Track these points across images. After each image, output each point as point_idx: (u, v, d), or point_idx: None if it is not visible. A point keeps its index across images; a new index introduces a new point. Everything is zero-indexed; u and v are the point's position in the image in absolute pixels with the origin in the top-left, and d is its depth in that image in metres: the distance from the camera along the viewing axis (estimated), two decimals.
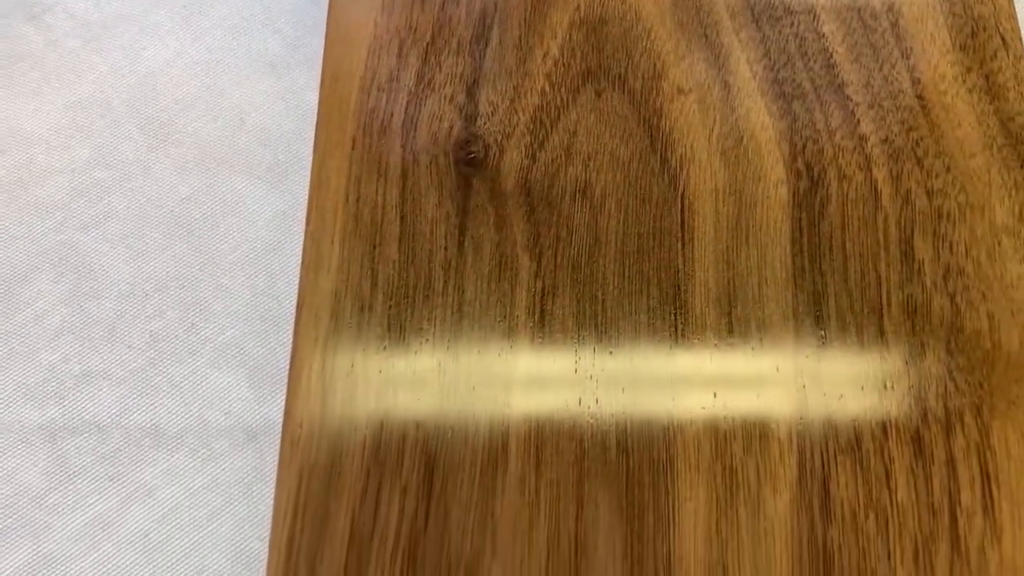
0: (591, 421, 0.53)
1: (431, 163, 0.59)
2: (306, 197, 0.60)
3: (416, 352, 0.55)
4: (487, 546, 0.51)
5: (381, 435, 0.53)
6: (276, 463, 0.53)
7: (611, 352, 0.54)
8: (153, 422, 0.59)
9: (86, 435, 0.59)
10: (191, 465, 0.58)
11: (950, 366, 0.54)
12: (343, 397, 0.54)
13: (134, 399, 0.60)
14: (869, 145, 0.59)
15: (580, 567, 0.50)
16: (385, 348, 0.55)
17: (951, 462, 0.52)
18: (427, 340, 0.55)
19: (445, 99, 0.61)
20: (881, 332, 0.54)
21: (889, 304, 0.55)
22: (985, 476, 0.51)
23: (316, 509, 0.52)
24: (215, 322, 0.62)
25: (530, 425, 0.53)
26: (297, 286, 0.58)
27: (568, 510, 0.51)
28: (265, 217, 0.63)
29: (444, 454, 0.52)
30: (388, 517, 0.51)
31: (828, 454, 0.52)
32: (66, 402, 0.60)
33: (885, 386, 0.53)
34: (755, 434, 0.52)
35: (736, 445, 0.52)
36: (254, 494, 0.58)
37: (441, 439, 0.53)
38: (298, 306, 0.57)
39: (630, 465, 0.52)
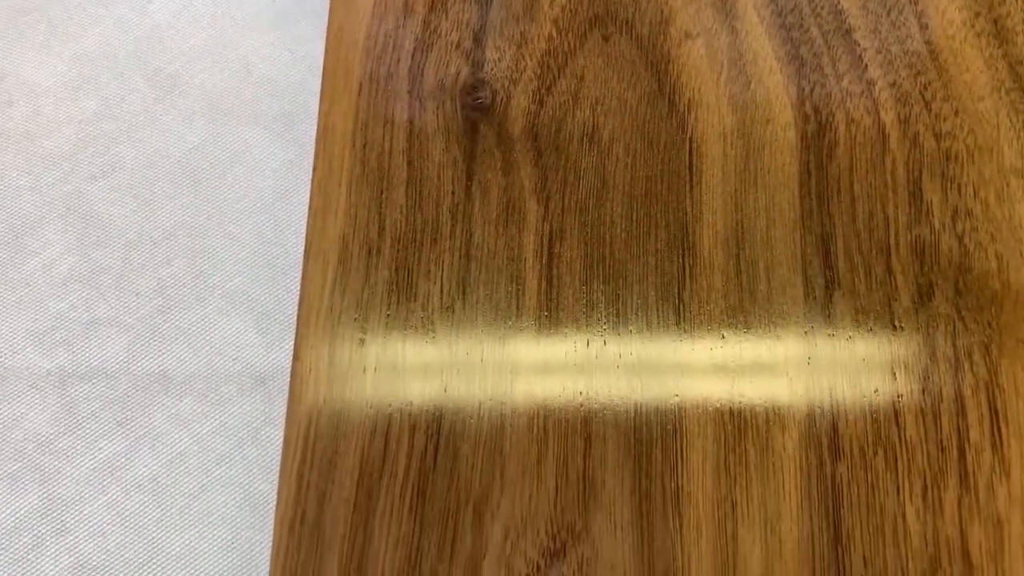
0: (599, 361, 0.53)
1: (438, 109, 0.59)
2: (313, 146, 0.60)
3: (424, 295, 0.55)
4: (496, 482, 0.51)
5: (389, 378, 0.53)
6: (284, 408, 0.53)
7: (619, 294, 0.54)
8: (161, 368, 0.59)
9: (94, 381, 0.59)
10: (199, 410, 0.58)
11: (958, 306, 0.54)
12: (351, 339, 0.54)
13: (142, 346, 0.60)
14: (877, 89, 0.59)
15: (588, 502, 0.50)
16: (393, 291, 0.55)
17: (959, 400, 0.52)
18: (435, 283, 0.55)
19: (452, 45, 0.61)
20: (889, 272, 0.54)
21: (897, 245, 0.55)
22: (993, 413, 0.51)
23: (325, 448, 0.52)
24: (223, 270, 0.62)
25: (538, 365, 0.53)
26: (304, 234, 0.58)
27: (576, 447, 0.51)
28: (272, 166, 0.63)
29: (452, 394, 0.53)
30: (397, 455, 0.51)
31: (836, 393, 0.52)
32: (75, 349, 0.60)
33: (893, 326, 0.53)
34: (763, 373, 0.52)
35: (744, 384, 0.52)
36: (262, 438, 0.58)
37: (449, 380, 0.53)
38: (306, 251, 0.57)
39: (638, 404, 0.52)
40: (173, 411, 0.58)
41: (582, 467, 0.51)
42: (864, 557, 0.49)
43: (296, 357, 0.54)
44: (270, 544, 0.51)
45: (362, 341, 0.54)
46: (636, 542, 0.49)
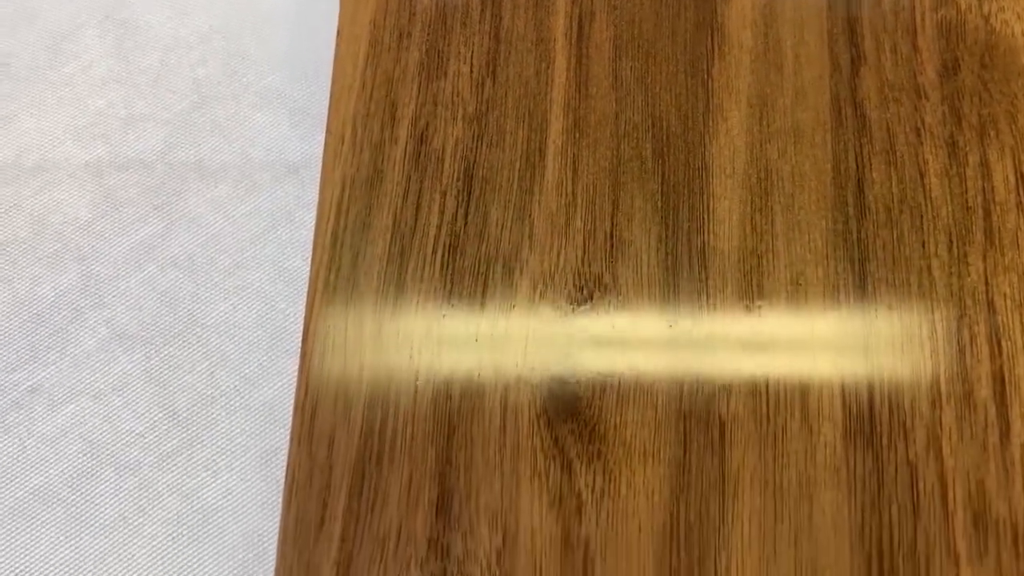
0: (629, 130, 0.54)
1: None
2: None
3: (454, 74, 0.56)
4: (525, 240, 0.52)
5: (421, 147, 0.54)
6: (317, 193, 0.54)
7: (648, 70, 0.55)
8: (197, 158, 0.60)
9: (132, 171, 0.60)
10: (234, 195, 0.59)
11: (984, 78, 0.54)
12: (384, 112, 0.55)
13: (178, 138, 0.61)
14: None
15: (616, 259, 0.51)
16: (423, 71, 0.56)
17: (985, 163, 0.52)
18: (464, 63, 0.56)
19: None
20: (915, 49, 0.55)
21: (924, 25, 0.55)
22: (1019, 176, 0.52)
23: (359, 210, 0.53)
24: (256, 69, 0.63)
25: (567, 136, 0.54)
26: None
27: (604, 208, 0.52)
28: None
29: (483, 161, 0.53)
30: (429, 216, 0.52)
31: (863, 156, 0.52)
32: (112, 142, 0.61)
33: (919, 95, 0.54)
34: (789, 139, 0.53)
35: (771, 149, 0.53)
36: (296, 220, 0.59)
37: (480, 149, 0.54)
38: (338, 35, 0.58)
39: (665, 170, 0.53)
40: (208, 196, 0.59)
41: (609, 227, 0.52)
42: (889, 305, 0.49)
43: (328, 130, 0.55)
44: (302, 315, 0.53)
45: (393, 115, 0.55)
46: (662, 292, 0.50)
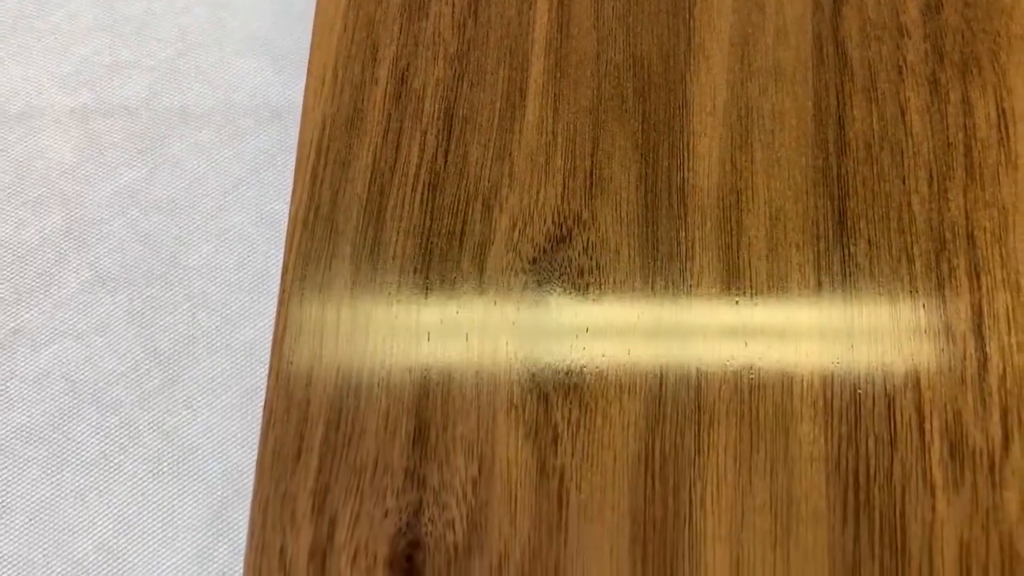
0: (611, 69, 0.53)
1: None
2: None
3: (437, 15, 0.56)
4: (504, 179, 0.52)
5: (402, 87, 0.54)
6: (298, 139, 0.54)
7: (630, 8, 0.55)
8: (181, 104, 0.60)
9: (116, 117, 0.60)
10: (217, 139, 0.59)
11: (967, 16, 0.54)
12: (365, 53, 0.55)
13: (163, 84, 0.61)
14: None
15: (595, 196, 0.51)
16: (405, 11, 0.56)
17: (967, 101, 0.52)
18: (447, 4, 0.56)
19: None
20: None
21: None
22: (1001, 112, 0.52)
23: (339, 149, 0.53)
24: (240, 17, 0.63)
25: (548, 76, 0.54)
26: None
27: (584, 147, 0.52)
28: None
29: (464, 100, 0.53)
30: (409, 156, 0.52)
31: (844, 94, 0.52)
32: (98, 89, 0.61)
33: (901, 33, 0.53)
34: (770, 77, 0.53)
35: (752, 87, 0.53)
36: (278, 164, 0.59)
37: (461, 89, 0.54)
38: None
39: (646, 109, 0.53)
40: (192, 141, 0.59)
41: (590, 165, 0.52)
42: (869, 239, 0.49)
43: (309, 72, 0.55)
44: (281, 260, 0.53)
45: (374, 56, 0.55)
46: (641, 229, 0.50)
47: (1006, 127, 0.51)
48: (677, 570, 0.44)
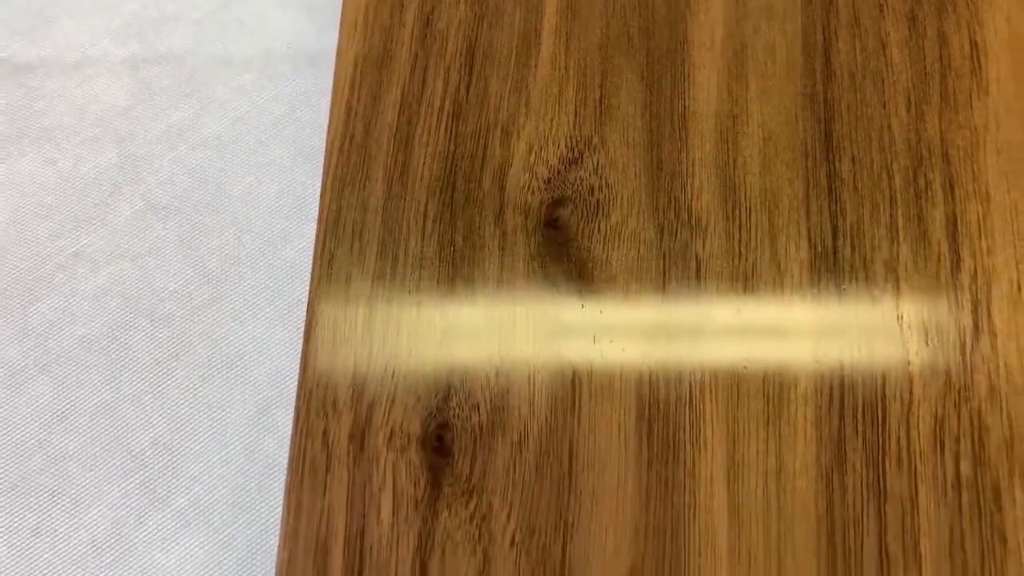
0: (618, 9, 0.58)
1: None
2: None
3: None
4: (521, 108, 0.57)
5: (427, 28, 0.59)
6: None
7: None
8: (224, 52, 0.66)
9: (164, 64, 0.66)
10: (258, 83, 0.65)
11: None
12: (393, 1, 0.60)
13: (207, 35, 0.67)
14: None
15: (604, 123, 0.56)
16: None
17: (942, 35, 0.57)
18: None
19: None
20: None
21: None
22: (973, 44, 0.57)
23: (370, 85, 0.58)
24: None
25: (560, 16, 0.59)
26: None
27: (594, 80, 0.57)
28: None
29: (484, 40, 0.59)
30: (434, 89, 0.58)
31: (830, 30, 0.57)
32: (147, 40, 0.67)
33: None
34: (764, 16, 0.58)
35: (747, 25, 0.58)
36: (313, 104, 0.64)
37: (481, 30, 0.59)
38: None
39: (650, 45, 0.58)
40: (235, 84, 0.65)
41: (599, 95, 0.57)
42: (852, 157, 0.54)
43: (343, 17, 0.60)
44: (318, 189, 0.58)
45: (401, 2, 0.60)
46: (646, 151, 0.55)
47: (978, 58, 0.56)
48: (680, 445, 0.49)
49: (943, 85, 0.56)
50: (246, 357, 0.58)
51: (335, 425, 0.51)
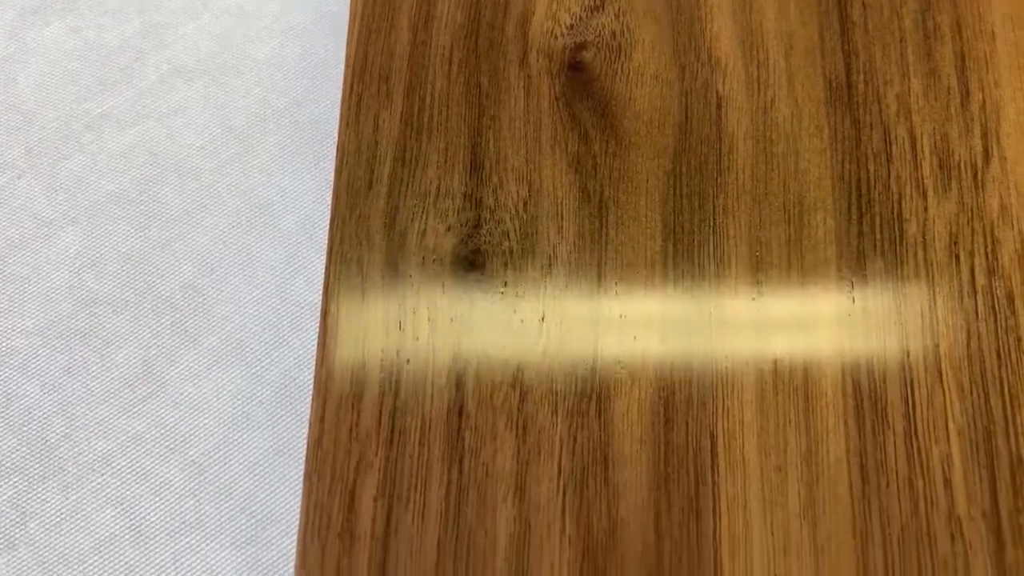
0: None
1: None
2: None
3: None
4: None
5: None
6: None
7: None
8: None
9: None
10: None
11: None
12: None
13: None
14: None
15: None
16: None
17: None
18: None
19: None
20: None
21: None
22: None
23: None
24: None
25: None
26: None
27: None
28: None
29: None
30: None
31: None
32: None
33: None
34: None
35: None
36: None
37: None
38: None
39: None
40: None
41: None
42: (863, 1, 0.56)
43: None
44: (342, 50, 0.59)
45: None
46: (665, 10, 0.57)
47: None
48: (704, 262, 0.51)
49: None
50: (274, 206, 0.59)
51: (368, 253, 0.52)
